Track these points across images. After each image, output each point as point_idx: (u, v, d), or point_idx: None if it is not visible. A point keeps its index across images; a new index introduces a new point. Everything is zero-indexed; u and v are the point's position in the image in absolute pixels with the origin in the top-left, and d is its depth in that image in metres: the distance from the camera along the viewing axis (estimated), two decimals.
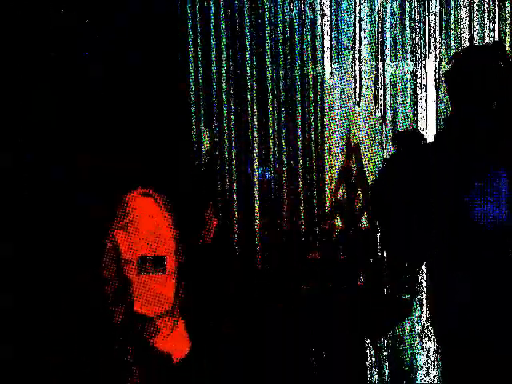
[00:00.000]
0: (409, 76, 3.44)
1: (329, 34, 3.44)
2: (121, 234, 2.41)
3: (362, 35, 3.42)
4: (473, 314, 2.24)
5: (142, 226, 2.40)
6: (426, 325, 3.45)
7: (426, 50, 3.40)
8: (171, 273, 2.41)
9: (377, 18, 3.40)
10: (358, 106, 3.44)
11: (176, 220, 2.45)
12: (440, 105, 3.39)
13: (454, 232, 2.23)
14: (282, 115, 3.45)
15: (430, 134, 3.39)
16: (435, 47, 3.39)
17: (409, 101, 3.44)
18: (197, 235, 2.58)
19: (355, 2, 3.40)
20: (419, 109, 3.42)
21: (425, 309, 3.45)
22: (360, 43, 3.42)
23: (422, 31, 3.39)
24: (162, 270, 2.38)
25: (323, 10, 3.43)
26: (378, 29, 3.41)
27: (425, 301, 3.44)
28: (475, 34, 3.38)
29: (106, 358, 2.46)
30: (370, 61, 3.44)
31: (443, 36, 3.39)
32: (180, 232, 2.46)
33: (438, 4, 3.38)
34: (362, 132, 3.44)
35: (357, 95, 3.45)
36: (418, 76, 3.42)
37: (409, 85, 3.44)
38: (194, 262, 2.52)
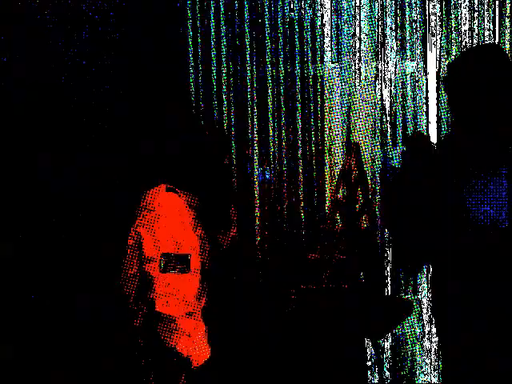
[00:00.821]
0: (409, 76, 3.44)
1: (329, 34, 3.44)
2: (145, 230, 2.33)
3: (362, 35, 3.42)
4: (473, 315, 2.24)
5: (166, 223, 2.32)
6: (426, 325, 3.45)
7: (426, 50, 3.40)
8: (195, 272, 2.34)
9: (377, 18, 3.40)
10: (358, 105, 3.45)
11: (201, 219, 2.38)
12: (440, 105, 3.39)
13: (456, 232, 2.24)
14: (282, 115, 3.45)
15: (430, 134, 3.39)
16: (435, 47, 3.39)
17: (409, 101, 3.44)
18: (218, 237, 2.53)
19: (355, 2, 3.40)
20: (419, 109, 3.42)
21: (425, 309, 3.45)
22: (360, 43, 3.43)
23: (422, 31, 3.40)
24: (186, 268, 2.30)
25: (323, 10, 3.43)
26: (378, 29, 3.41)
27: (426, 301, 3.44)
28: (475, 33, 3.38)
29: (123, 358, 2.42)
30: (369, 61, 3.44)
31: (443, 36, 3.39)
32: (205, 232, 2.40)
33: (438, 4, 3.38)
34: (362, 132, 3.44)
35: (357, 95, 3.45)
36: (418, 76, 3.42)
37: (409, 85, 3.44)
38: (216, 264, 2.46)
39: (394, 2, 3.40)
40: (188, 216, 2.37)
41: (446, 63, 3.33)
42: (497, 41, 3.37)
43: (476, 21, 3.38)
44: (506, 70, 2.25)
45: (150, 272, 2.30)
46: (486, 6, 3.37)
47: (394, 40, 3.42)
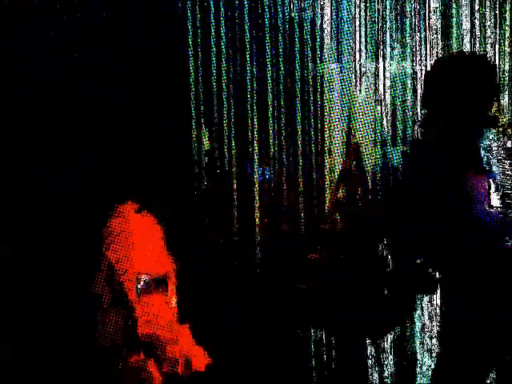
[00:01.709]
0: (409, 76, 3.44)
1: (329, 33, 3.44)
2: (116, 255, 2.36)
3: (362, 35, 3.42)
4: (473, 315, 2.24)
5: (138, 242, 2.35)
6: (426, 325, 3.45)
7: (426, 50, 3.40)
8: (172, 291, 2.38)
9: (377, 18, 3.40)
10: (358, 105, 3.45)
11: (171, 238, 2.41)
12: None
13: (456, 232, 2.24)
14: (282, 115, 3.45)
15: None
16: (435, 47, 3.39)
17: (409, 101, 3.44)
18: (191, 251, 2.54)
19: (355, 2, 3.40)
20: (419, 109, 3.43)
21: (425, 309, 3.45)
22: (360, 43, 3.43)
23: (422, 31, 3.40)
24: (163, 289, 2.34)
25: (323, 10, 3.43)
26: (378, 29, 3.41)
27: (425, 301, 3.44)
28: (476, 33, 3.38)
29: (109, 363, 2.45)
30: (370, 61, 3.44)
31: (444, 36, 3.39)
32: (174, 247, 2.42)
33: (438, 4, 3.38)
34: (362, 132, 3.44)
35: (357, 95, 3.45)
36: (418, 76, 3.42)
37: (409, 85, 3.44)
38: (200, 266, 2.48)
39: (394, 1, 3.40)
40: (158, 236, 2.39)
41: (432, 62, 3.33)
42: (497, 41, 3.38)
43: (477, 21, 3.38)
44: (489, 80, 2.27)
45: (128, 294, 2.34)
46: (486, 7, 3.37)
47: (393, 40, 3.42)
